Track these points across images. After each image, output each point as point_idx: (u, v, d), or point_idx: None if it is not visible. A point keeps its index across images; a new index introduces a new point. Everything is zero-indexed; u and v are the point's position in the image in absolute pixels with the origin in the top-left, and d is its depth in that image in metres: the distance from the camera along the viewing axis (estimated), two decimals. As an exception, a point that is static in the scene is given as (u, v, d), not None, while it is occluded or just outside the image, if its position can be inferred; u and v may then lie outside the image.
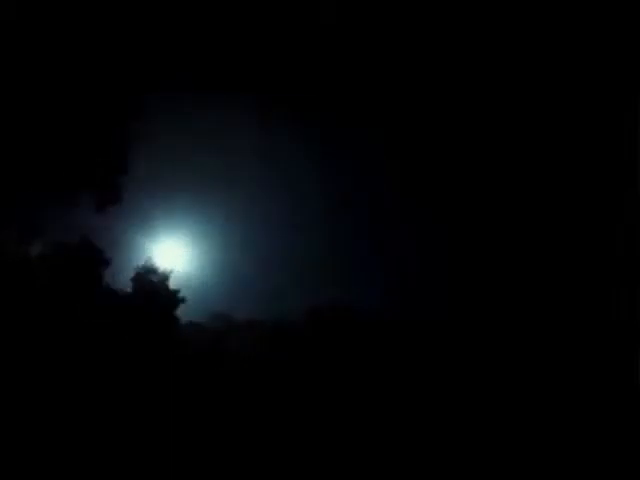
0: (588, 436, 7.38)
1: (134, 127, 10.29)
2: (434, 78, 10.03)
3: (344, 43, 9.27)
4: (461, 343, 9.26)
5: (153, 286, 12.78)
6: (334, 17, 8.08)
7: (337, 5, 8.20)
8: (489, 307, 9.35)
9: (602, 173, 8.28)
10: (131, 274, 12.91)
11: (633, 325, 6.91)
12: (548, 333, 8.57)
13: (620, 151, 7.58)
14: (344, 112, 12.92)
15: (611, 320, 7.41)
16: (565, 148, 9.27)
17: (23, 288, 8.63)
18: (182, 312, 13.04)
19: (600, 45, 8.01)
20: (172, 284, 13.12)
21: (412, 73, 10.23)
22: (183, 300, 13.03)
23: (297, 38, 9.36)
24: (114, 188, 11.09)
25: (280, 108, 12.59)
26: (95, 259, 11.78)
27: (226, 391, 10.31)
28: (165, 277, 13.09)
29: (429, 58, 9.70)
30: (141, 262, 13.11)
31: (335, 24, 8.15)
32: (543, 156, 9.59)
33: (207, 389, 10.35)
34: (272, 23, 9.49)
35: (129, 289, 12.67)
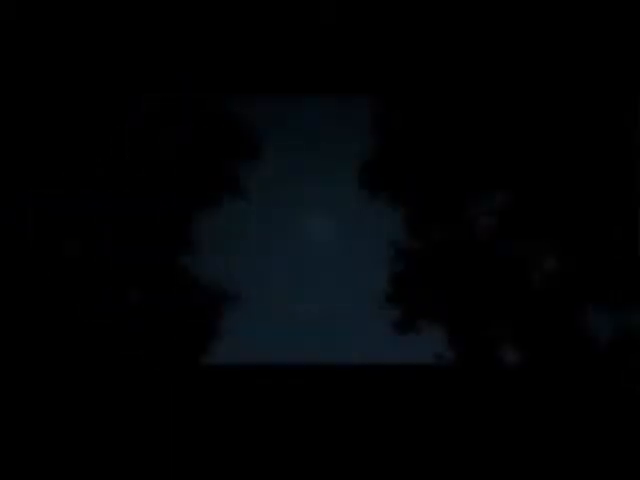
0: (587, 436, 7.42)
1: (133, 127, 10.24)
2: (436, 77, 10.10)
3: (344, 43, 9.29)
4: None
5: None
6: (334, 17, 8.10)
7: (337, 5, 8.22)
8: (488, 305, 9.42)
9: (602, 173, 8.32)
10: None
11: (633, 325, 6.94)
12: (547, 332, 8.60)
13: (620, 151, 7.59)
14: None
15: (611, 320, 7.45)
16: (564, 148, 9.32)
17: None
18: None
19: (600, 45, 8.02)
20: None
21: (413, 71, 10.28)
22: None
23: (296, 38, 9.43)
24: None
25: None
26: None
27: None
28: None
29: (430, 58, 9.77)
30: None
31: (335, 24, 8.16)
32: (542, 156, 9.63)
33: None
34: (272, 23, 9.54)
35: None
